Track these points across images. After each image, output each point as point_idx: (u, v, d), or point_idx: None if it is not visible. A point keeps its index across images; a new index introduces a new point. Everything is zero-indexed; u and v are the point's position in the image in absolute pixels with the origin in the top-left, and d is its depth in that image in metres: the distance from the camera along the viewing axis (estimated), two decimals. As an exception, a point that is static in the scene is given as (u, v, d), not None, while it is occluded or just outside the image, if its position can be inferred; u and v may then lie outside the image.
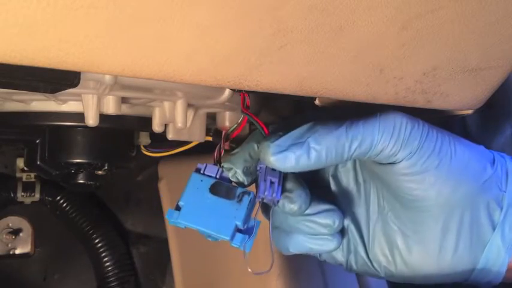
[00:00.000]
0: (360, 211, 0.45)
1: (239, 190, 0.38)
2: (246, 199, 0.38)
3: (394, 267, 0.43)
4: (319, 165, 0.39)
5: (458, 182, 0.40)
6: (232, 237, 0.37)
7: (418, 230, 0.42)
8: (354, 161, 0.45)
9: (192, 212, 0.37)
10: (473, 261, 0.42)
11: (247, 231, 0.37)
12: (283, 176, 0.40)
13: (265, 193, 0.39)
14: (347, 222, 0.44)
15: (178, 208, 0.38)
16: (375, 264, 0.44)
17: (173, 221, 0.37)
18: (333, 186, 0.46)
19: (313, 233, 0.42)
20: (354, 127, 0.39)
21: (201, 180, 0.38)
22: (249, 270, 0.39)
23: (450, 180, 0.40)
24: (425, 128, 0.40)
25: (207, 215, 0.37)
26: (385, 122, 0.39)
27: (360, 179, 0.45)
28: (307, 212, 0.41)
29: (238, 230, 0.37)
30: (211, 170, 0.39)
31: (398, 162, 0.39)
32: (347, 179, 0.45)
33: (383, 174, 0.41)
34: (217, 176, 0.39)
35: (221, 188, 0.38)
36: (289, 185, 0.40)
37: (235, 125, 0.42)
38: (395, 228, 0.43)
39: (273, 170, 0.39)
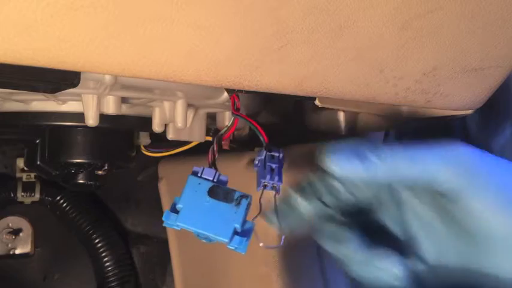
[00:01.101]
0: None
1: (237, 193, 0.38)
2: (244, 202, 0.38)
3: None
4: (374, 179, 0.37)
5: None
6: (231, 239, 0.37)
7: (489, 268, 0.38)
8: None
9: (191, 214, 0.38)
10: None
11: (244, 233, 0.38)
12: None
13: (267, 177, 0.39)
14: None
15: (175, 210, 0.38)
16: None
17: (170, 223, 0.38)
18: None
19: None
20: (416, 149, 0.37)
21: (199, 183, 0.39)
22: (261, 244, 0.39)
23: None
24: (494, 161, 0.37)
25: (206, 218, 0.37)
26: (451, 150, 0.37)
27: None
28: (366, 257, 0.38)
29: (236, 233, 0.38)
30: (209, 173, 0.39)
31: (466, 198, 0.36)
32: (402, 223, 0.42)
33: (447, 205, 0.38)
34: (215, 180, 0.39)
35: (219, 191, 0.38)
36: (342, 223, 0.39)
37: (226, 128, 0.42)
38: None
39: (272, 158, 0.40)
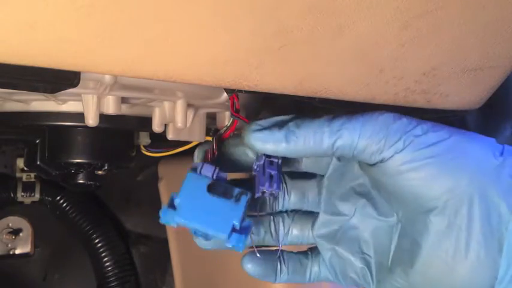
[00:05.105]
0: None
1: (236, 190, 0.38)
2: (244, 199, 0.38)
3: (412, 282, 0.40)
4: (298, 151, 0.38)
5: (460, 171, 0.37)
6: (229, 236, 0.37)
7: (426, 234, 0.38)
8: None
9: (189, 210, 0.37)
10: (492, 264, 0.37)
11: (242, 231, 0.37)
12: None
13: (266, 185, 0.39)
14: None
15: (172, 206, 0.38)
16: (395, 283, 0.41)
17: (167, 219, 0.37)
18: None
19: None
20: (337, 119, 0.38)
21: (198, 179, 0.38)
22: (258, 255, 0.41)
23: (450, 170, 0.37)
24: (414, 122, 0.38)
25: (204, 214, 0.37)
26: (369, 117, 0.38)
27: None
28: None
29: (234, 230, 0.37)
30: (208, 169, 0.39)
31: (389, 158, 0.38)
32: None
33: (380, 176, 0.39)
34: (214, 176, 0.39)
35: (218, 187, 0.38)
36: None
37: (225, 127, 0.42)
38: (410, 238, 0.40)
39: (271, 164, 0.40)
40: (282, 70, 0.36)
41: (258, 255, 0.42)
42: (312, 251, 0.45)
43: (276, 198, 0.40)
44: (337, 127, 0.38)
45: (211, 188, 0.38)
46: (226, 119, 0.58)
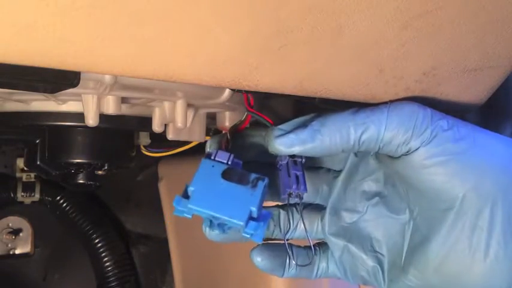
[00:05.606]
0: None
1: (253, 176, 0.36)
2: (261, 184, 0.36)
3: (426, 281, 0.39)
4: (325, 149, 0.38)
5: (484, 170, 0.37)
6: (246, 223, 0.35)
7: (444, 232, 0.38)
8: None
9: (204, 197, 0.35)
10: (510, 265, 0.37)
11: (259, 219, 0.35)
12: None
13: (293, 187, 0.38)
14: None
15: (186, 196, 0.36)
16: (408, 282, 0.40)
17: (180, 209, 0.35)
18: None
19: None
20: (361, 112, 0.37)
21: (213, 166, 0.37)
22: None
23: (474, 168, 0.37)
24: (439, 115, 0.38)
25: (220, 200, 0.35)
26: (394, 107, 0.37)
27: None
28: None
29: (251, 218, 0.35)
30: (223, 156, 0.37)
31: (414, 151, 0.37)
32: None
33: (402, 170, 0.38)
34: (229, 162, 0.37)
35: (234, 173, 0.36)
36: None
37: (239, 121, 0.41)
38: (424, 235, 0.39)
39: (295, 164, 0.39)
40: (282, 70, 0.36)
41: (267, 249, 0.41)
42: (320, 247, 0.44)
43: (302, 199, 0.39)
44: (361, 120, 0.37)
45: (226, 175, 0.36)
46: (226, 119, 0.58)
